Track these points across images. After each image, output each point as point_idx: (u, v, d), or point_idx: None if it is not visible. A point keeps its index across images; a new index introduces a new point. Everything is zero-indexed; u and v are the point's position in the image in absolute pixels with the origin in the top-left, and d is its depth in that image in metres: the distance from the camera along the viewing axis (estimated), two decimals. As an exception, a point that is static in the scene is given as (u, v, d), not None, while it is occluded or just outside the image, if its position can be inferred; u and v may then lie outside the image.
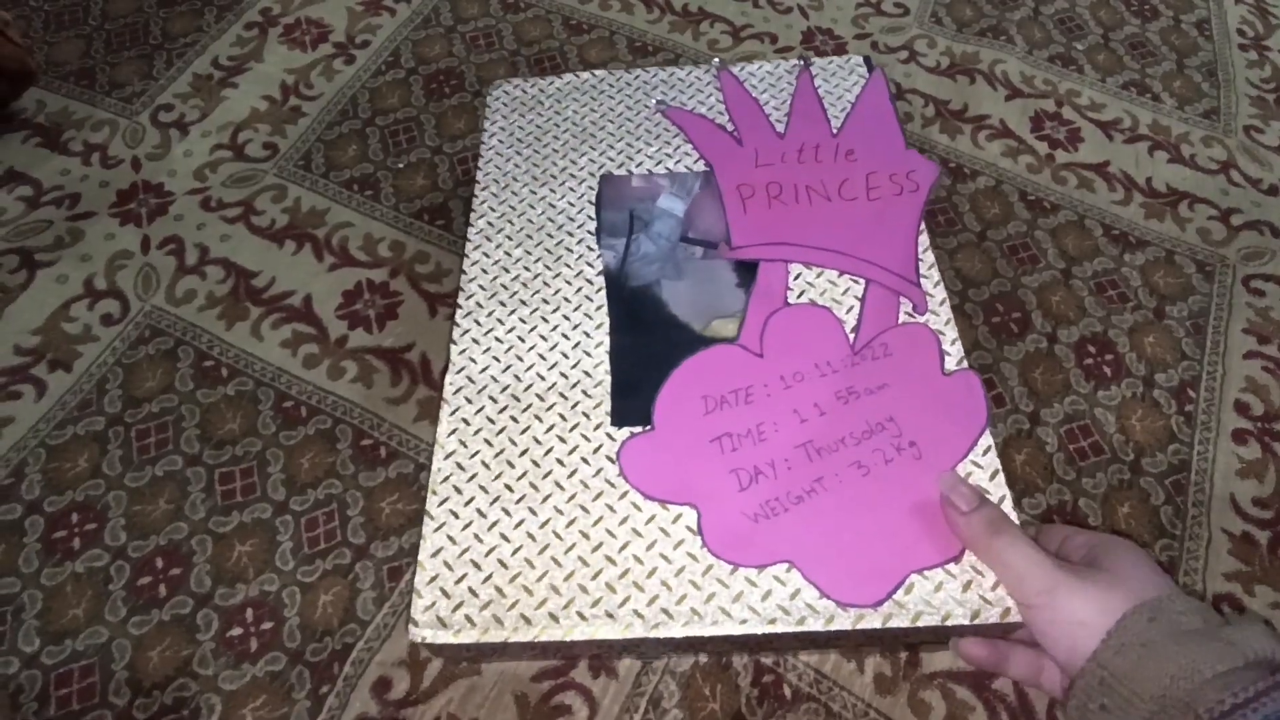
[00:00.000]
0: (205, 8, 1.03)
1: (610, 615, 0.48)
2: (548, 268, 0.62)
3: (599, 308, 0.61)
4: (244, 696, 0.63)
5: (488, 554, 0.52)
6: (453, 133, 0.92)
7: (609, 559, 0.49)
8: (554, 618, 0.48)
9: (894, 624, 0.45)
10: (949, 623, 0.44)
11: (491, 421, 0.55)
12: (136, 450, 0.73)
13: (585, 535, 0.50)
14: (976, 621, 0.44)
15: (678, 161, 0.70)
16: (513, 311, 0.60)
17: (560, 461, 0.52)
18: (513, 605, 0.50)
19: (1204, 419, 0.75)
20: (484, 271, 0.62)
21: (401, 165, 0.90)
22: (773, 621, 0.47)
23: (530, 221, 0.65)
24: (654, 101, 0.73)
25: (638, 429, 0.53)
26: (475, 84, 0.96)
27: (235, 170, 0.90)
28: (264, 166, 0.90)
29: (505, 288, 0.61)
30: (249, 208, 0.87)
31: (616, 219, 0.70)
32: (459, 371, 0.58)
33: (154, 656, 0.64)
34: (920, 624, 0.45)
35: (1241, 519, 0.70)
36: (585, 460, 0.52)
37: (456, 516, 0.54)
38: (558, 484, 0.52)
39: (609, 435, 0.53)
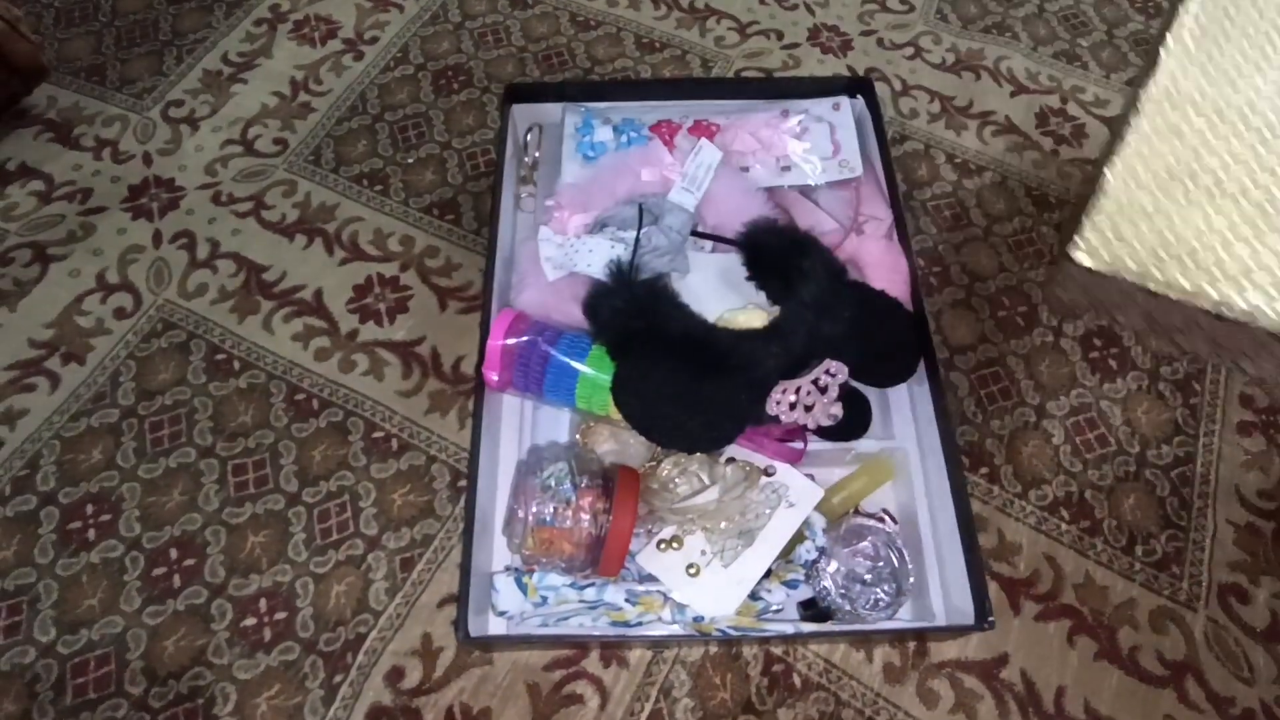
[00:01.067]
0: (215, 4, 1.03)
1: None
2: None
3: None
4: (258, 685, 0.63)
5: (1186, 206, 0.53)
6: (461, 128, 0.93)
7: None
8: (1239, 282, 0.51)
9: None
10: None
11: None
12: (150, 442, 0.73)
13: None
14: None
15: None
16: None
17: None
18: (1193, 260, 0.51)
19: (1209, 411, 0.76)
20: None
21: (411, 160, 0.91)
22: None
23: None
24: None
25: None
26: (484, 80, 0.97)
27: (246, 165, 0.90)
28: (274, 162, 0.91)
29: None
30: (259, 202, 0.87)
31: (627, 213, 0.70)
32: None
33: (169, 646, 0.65)
34: None
35: (1246, 510, 0.71)
36: None
37: (1167, 158, 0.56)
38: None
39: None
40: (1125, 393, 0.76)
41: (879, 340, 0.65)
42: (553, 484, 0.58)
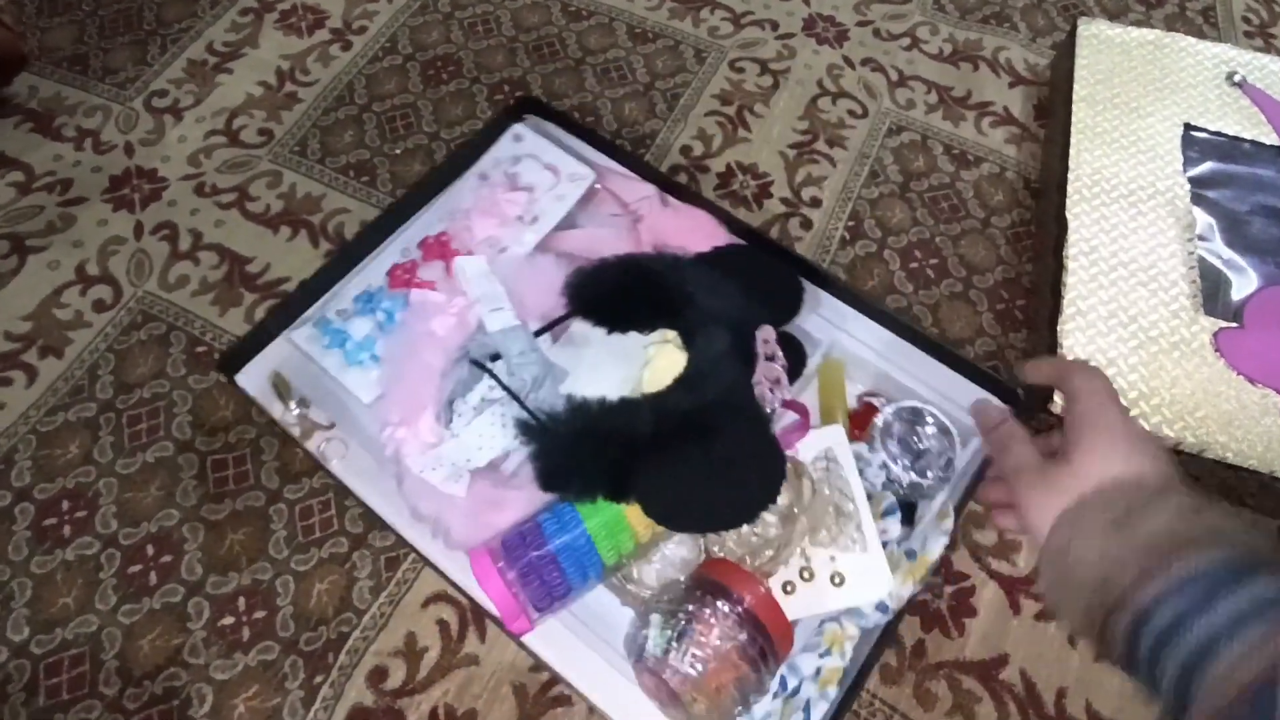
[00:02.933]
0: (200, -6, 1.02)
1: (1232, 450, 0.64)
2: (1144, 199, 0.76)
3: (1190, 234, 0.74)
4: (236, 686, 0.62)
5: (1129, 353, 0.68)
6: (450, 119, 0.91)
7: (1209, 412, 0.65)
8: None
9: None
10: None
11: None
12: (128, 437, 0.71)
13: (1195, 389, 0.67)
14: None
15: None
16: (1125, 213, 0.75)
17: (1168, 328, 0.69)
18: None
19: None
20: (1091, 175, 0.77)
21: (398, 151, 0.89)
22: None
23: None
24: (1227, 72, 0.83)
25: (1231, 324, 0.69)
26: (473, 70, 0.95)
27: (230, 156, 0.88)
28: (259, 152, 0.89)
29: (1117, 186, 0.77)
30: (243, 193, 0.86)
31: (464, 376, 0.60)
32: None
33: (145, 645, 0.63)
34: None
35: (1248, 507, 0.69)
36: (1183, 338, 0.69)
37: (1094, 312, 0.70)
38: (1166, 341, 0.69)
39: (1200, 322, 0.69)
40: (1126, 387, 0.75)
41: (758, 289, 0.61)
42: (665, 642, 0.50)
